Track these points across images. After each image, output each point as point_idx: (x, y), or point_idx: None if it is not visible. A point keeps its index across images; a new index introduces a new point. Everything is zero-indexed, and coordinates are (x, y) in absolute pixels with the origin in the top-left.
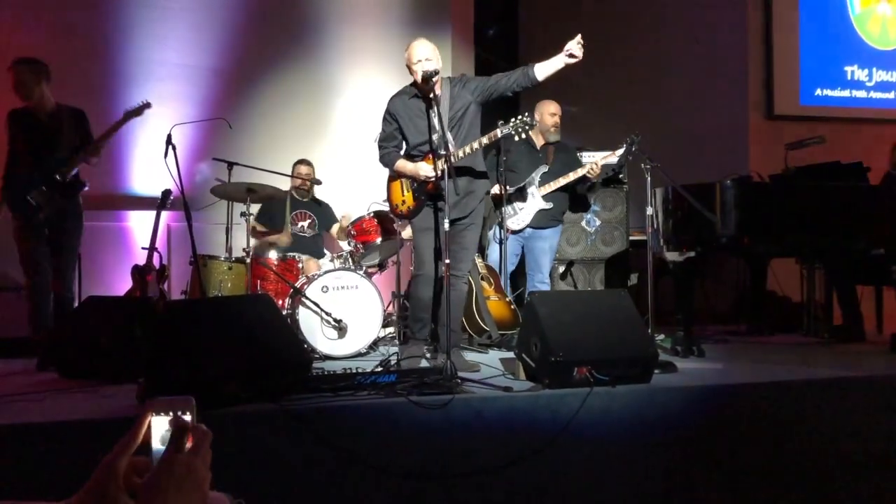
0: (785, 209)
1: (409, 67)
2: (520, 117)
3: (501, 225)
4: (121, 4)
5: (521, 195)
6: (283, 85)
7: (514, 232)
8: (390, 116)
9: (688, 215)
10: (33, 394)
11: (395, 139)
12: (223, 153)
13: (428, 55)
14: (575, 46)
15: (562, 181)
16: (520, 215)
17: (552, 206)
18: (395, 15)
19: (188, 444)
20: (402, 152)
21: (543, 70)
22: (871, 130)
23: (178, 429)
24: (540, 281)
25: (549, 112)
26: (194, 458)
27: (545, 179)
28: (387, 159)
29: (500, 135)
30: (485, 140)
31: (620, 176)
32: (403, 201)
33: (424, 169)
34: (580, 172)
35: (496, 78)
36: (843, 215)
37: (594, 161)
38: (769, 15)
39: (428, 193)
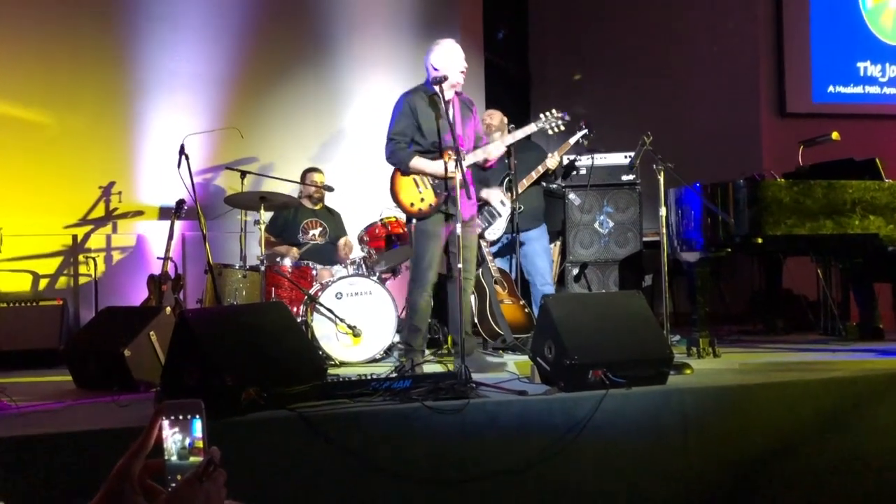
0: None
1: (436, 66)
2: (552, 112)
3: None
4: (133, 17)
5: (491, 204)
6: (294, 93)
7: (493, 242)
8: (411, 111)
9: (701, 216)
10: (51, 404)
11: (408, 135)
12: (235, 162)
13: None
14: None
15: (526, 182)
16: (494, 224)
17: (523, 208)
18: (405, 21)
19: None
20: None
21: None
22: (886, 126)
23: (209, 460)
24: (542, 284)
25: (486, 116)
26: (212, 487)
27: (512, 183)
28: (401, 155)
29: (535, 129)
30: (520, 134)
31: (577, 164)
32: (422, 198)
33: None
34: (541, 170)
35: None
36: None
37: (552, 154)
38: (780, 12)
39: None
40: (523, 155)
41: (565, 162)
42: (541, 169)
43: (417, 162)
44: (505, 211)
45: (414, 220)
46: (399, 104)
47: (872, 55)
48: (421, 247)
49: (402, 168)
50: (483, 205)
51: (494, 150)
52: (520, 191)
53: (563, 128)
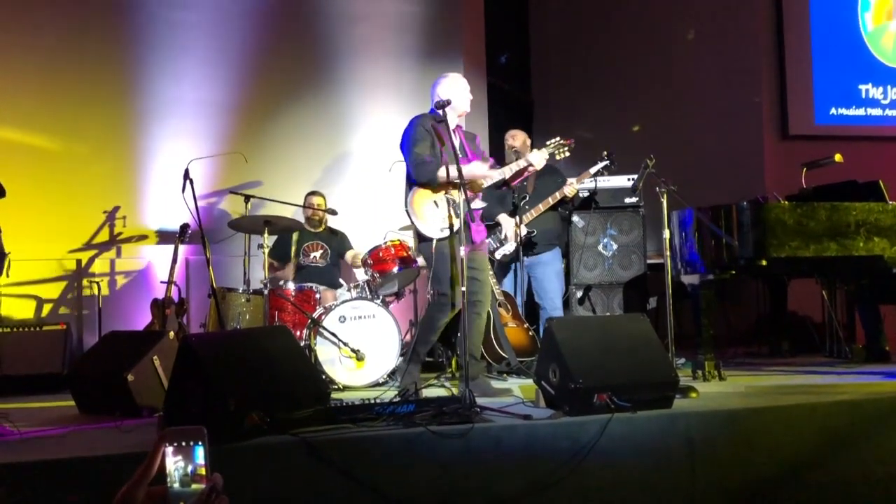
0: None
1: (443, 96)
2: (558, 139)
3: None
4: (138, 44)
5: (503, 225)
6: (298, 118)
7: (502, 263)
8: (427, 132)
9: (705, 238)
10: (54, 430)
11: (428, 152)
12: (240, 187)
13: None
14: None
15: (542, 207)
16: (505, 245)
17: (535, 232)
18: (407, 46)
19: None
20: None
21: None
22: (888, 148)
23: (211, 487)
24: (552, 308)
25: (509, 137)
26: None
27: (528, 206)
28: (430, 167)
29: (545, 154)
30: (522, 163)
31: (595, 196)
32: (444, 219)
33: (482, 168)
34: (557, 196)
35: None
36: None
37: (570, 181)
38: (781, 35)
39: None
40: (543, 179)
41: (585, 185)
42: (557, 195)
43: (443, 171)
44: (518, 232)
45: (434, 241)
46: (413, 126)
47: (874, 77)
48: (444, 266)
49: (433, 181)
50: (496, 224)
51: (535, 159)
52: (534, 215)
53: (568, 154)
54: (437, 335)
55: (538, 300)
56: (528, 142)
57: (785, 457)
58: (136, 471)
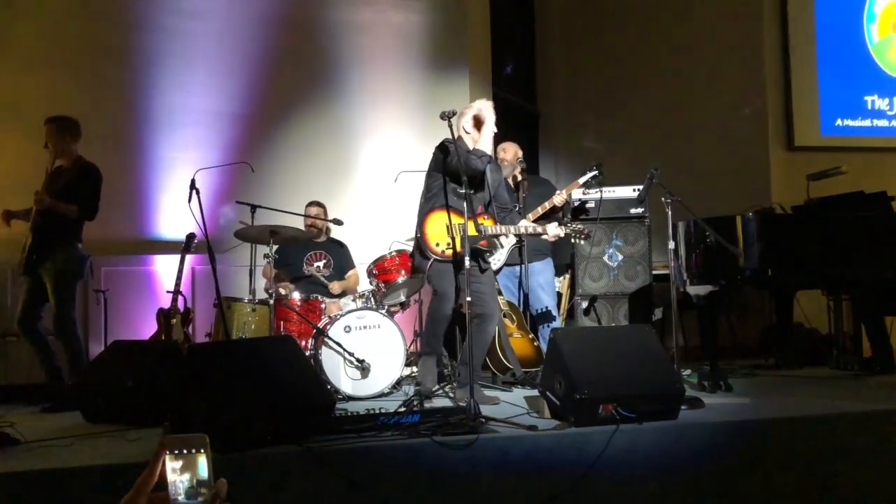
0: (808, 241)
1: (471, 126)
2: (579, 227)
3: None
4: (147, 53)
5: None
6: (304, 128)
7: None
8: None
9: (710, 249)
10: (59, 439)
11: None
12: (246, 196)
13: None
14: None
15: (531, 217)
16: (494, 255)
17: (524, 242)
18: (414, 57)
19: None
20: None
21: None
22: (894, 159)
23: (215, 494)
24: (545, 316)
25: (500, 150)
26: None
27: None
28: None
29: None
30: (540, 229)
31: (588, 206)
32: (449, 244)
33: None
34: (547, 206)
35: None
36: (868, 245)
37: (559, 192)
38: (786, 47)
39: (477, 249)
40: (535, 190)
41: (575, 197)
42: (546, 205)
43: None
44: (507, 242)
45: (432, 259)
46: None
47: (879, 89)
48: (443, 280)
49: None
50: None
51: (551, 231)
52: None
53: (582, 242)
54: (442, 326)
55: (531, 311)
56: (520, 154)
57: (792, 469)
58: (138, 479)
